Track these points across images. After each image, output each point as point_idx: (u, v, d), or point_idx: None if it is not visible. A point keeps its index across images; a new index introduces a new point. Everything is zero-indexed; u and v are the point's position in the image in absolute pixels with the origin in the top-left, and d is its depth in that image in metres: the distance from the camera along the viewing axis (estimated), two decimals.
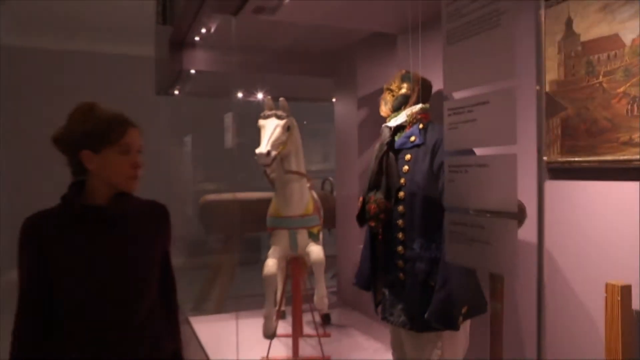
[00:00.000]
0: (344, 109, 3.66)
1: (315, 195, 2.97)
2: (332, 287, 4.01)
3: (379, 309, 1.81)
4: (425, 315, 1.51)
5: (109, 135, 1.29)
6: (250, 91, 4.56)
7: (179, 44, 3.42)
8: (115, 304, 1.30)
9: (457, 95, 1.06)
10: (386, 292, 1.72)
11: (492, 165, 0.79)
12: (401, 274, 1.63)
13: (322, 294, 2.64)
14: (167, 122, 6.37)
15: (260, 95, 4.60)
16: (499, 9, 0.72)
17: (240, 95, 4.55)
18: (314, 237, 2.73)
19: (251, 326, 2.97)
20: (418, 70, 1.94)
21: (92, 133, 1.29)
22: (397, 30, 2.61)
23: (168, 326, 1.46)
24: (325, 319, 3.31)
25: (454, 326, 1.47)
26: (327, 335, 3.06)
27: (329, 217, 3.65)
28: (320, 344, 2.79)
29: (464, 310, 1.49)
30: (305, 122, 6.22)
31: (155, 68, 4.47)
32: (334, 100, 3.85)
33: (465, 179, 0.82)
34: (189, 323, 3.45)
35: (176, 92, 4.31)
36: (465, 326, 1.63)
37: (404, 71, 1.93)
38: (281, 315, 3.19)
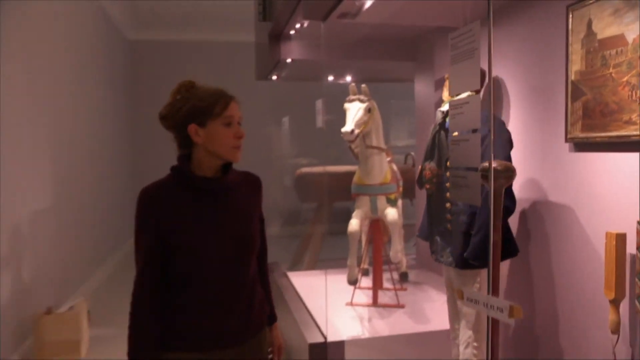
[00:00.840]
0: (422, 90, 4.07)
1: (394, 167, 3.46)
2: (413, 254, 4.49)
3: (434, 255, 2.30)
4: (465, 255, 1.97)
5: (213, 108, 1.39)
6: (340, 75, 5.10)
7: (277, 37, 4.03)
8: (228, 265, 1.43)
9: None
10: (438, 239, 2.20)
11: (470, 139, 1.25)
12: (449, 225, 2.10)
13: (397, 249, 3.16)
14: (266, 104, 7.15)
15: (349, 78, 5.12)
16: (474, 46, 1.18)
17: (331, 78, 5.10)
18: (391, 203, 3.24)
19: (338, 281, 3.56)
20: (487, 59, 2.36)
21: (198, 108, 1.39)
22: (463, 24, 2.99)
23: (264, 287, 1.63)
24: (403, 277, 3.81)
25: (485, 264, 1.93)
26: (403, 289, 3.58)
27: (410, 189, 4.10)
28: (397, 295, 3.32)
29: None
30: (392, 101, 6.66)
31: (256, 57, 5.14)
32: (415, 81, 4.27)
33: (458, 149, 1.29)
34: (287, 276, 4.13)
35: (274, 77, 4.95)
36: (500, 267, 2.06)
37: None
38: (364, 272, 3.76)
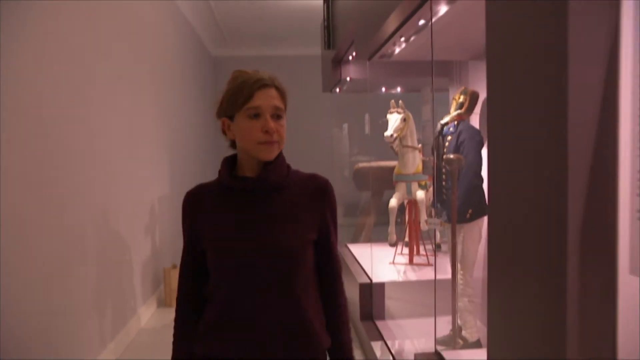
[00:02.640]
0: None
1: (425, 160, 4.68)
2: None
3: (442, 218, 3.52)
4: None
5: (236, 99, 1.26)
6: (391, 86, 6.33)
7: (338, 61, 5.35)
8: (261, 280, 1.26)
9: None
10: (439, 205, 3.41)
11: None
12: (444, 197, 3.30)
13: (423, 218, 4.39)
14: (331, 112, 8.54)
15: (398, 89, 6.32)
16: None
17: (383, 89, 6.34)
18: (422, 187, 4.47)
19: (384, 250, 4.84)
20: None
21: (226, 99, 1.30)
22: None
23: (332, 318, 1.38)
24: (437, 247, 5.01)
25: (463, 220, 3.11)
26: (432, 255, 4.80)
27: None
28: (427, 257, 4.54)
29: (470, 211, 3.12)
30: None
31: (322, 74, 6.48)
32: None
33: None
34: (347, 247, 5.45)
35: (337, 90, 6.27)
36: (480, 224, 3.22)
37: (463, 87, 3.55)
38: (405, 244, 5.00)
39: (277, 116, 1.28)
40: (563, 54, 1.08)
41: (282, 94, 1.31)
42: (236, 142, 1.33)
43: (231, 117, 1.30)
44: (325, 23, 5.41)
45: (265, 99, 1.26)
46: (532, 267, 1.25)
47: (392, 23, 3.00)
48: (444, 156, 3.01)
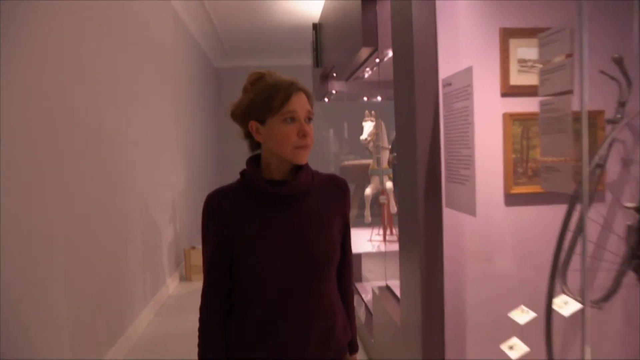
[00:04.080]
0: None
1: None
2: None
3: None
4: None
5: (271, 103, 1.28)
6: (371, 96, 7.58)
7: (325, 77, 6.62)
8: (297, 283, 1.29)
9: None
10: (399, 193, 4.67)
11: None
12: None
13: (393, 205, 5.65)
14: (322, 118, 9.84)
15: (379, 98, 7.57)
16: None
17: (365, 99, 7.59)
18: (391, 179, 5.74)
19: (364, 231, 6.08)
20: None
21: (256, 102, 1.31)
22: None
23: (346, 308, 1.46)
24: None
25: None
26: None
27: None
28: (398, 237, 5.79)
29: None
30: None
31: (313, 86, 7.73)
32: None
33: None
34: None
35: (325, 99, 7.53)
36: None
37: None
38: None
39: (308, 119, 1.32)
40: (413, 105, 2.35)
41: (310, 98, 1.34)
42: (263, 145, 1.34)
43: (261, 121, 1.30)
44: (314, 45, 6.67)
45: (300, 103, 1.28)
46: (411, 222, 2.51)
47: (361, 57, 4.24)
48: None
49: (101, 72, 3.83)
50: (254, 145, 1.41)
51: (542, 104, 1.62)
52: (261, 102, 1.31)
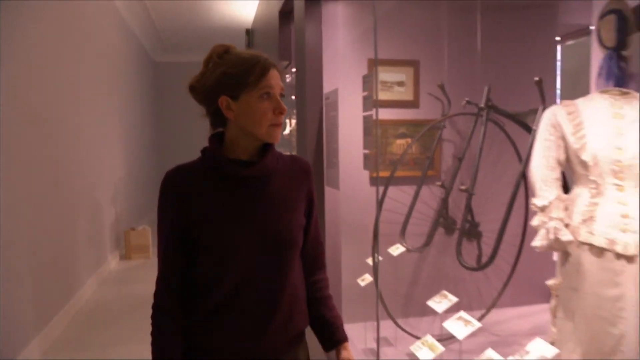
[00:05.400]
0: None
1: None
2: None
3: None
4: None
5: (247, 77, 1.19)
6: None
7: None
8: (262, 268, 1.23)
9: None
10: None
11: None
12: None
13: None
14: None
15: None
16: None
17: (293, 97, 8.55)
18: None
19: None
20: None
21: (229, 76, 1.20)
22: None
23: (321, 299, 1.39)
24: None
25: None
26: None
27: None
28: None
29: None
30: None
31: None
32: None
33: None
34: None
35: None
36: None
37: None
38: None
39: (281, 97, 1.24)
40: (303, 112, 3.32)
41: (281, 75, 1.27)
42: (231, 123, 1.24)
43: (234, 96, 1.20)
44: (247, 48, 7.56)
45: (275, 79, 1.22)
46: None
47: (280, 66, 5.19)
48: None
49: (50, 67, 4.53)
50: (218, 122, 1.27)
51: (364, 117, 2.63)
52: (235, 75, 1.20)
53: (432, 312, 2.63)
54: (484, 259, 2.96)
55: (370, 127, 2.55)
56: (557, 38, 3.77)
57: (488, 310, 3.34)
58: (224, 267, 1.22)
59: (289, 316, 1.29)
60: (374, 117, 2.50)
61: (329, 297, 1.42)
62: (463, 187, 2.94)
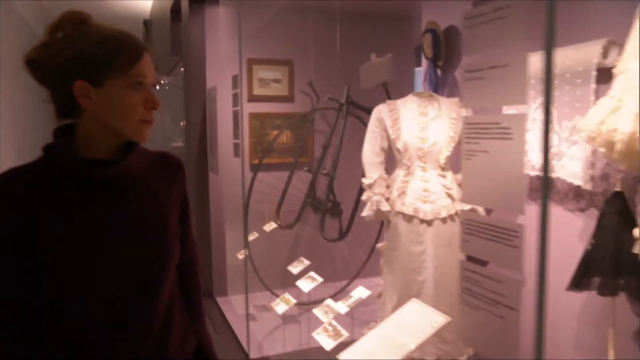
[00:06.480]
0: None
1: None
2: None
3: None
4: None
5: (115, 61, 0.96)
6: None
7: (155, 68, 7.74)
8: (129, 289, 1.01)
9: None
10: None
11: None
12: None
13: None
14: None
15: None
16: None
17: None
18: None
19: None
20: None
21: (89, 57, 0.96)
22: None
23: (192, 312, 1.22)
24: None
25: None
26: None
27: None
28: None
29: None
30: None
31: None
32: None
33: None
34: None
35: (157, 87, 8.61)
36: None
37: None
38: None
39: (154, 87, 1.06)
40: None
41: (155, 61, 1.05)
42: (87, 114, 1.00)
43: (95, 82, 0.97)
44: (145, 40, 7.72)
45: (149, 67, 1.01)
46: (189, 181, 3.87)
47: (173, 60, 5.48)
48: None
49: None
50: (68, 112, 1.03)
51: (234, 112, 3.08)
52: (99, 57, 0.97)
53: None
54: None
55: (238, 119, 3.00)
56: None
57: (353, 278, 3.92)
58: (80, 294, 0.98)
59: (163, 343, 1.09)
60: (241, 112, 2.96)
61: (202, 315, 1.29)
62: (325, 172, 3.48)
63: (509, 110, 2.12)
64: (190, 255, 1.24)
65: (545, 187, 0.90)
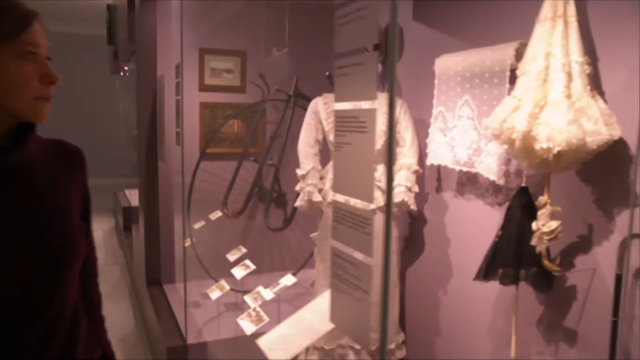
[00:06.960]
0: None
1: None
2: None
3: None
4: None
5: (2, 24, 0.86)
6: None
7: (116, 55, 7.65)
8: (28, 294, 0.90)
9: None
10: None
11: None
12: None
13: None
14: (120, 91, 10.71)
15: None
16: None
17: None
18: None
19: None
20: None
21: None
22: None
23: (93, 317, 1.12)
24: None
25: None
26: None
27: None
28: None
29: None
30: None
31: (109, 60, 8.64)
32: None
33: None
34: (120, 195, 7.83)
35: (121, 74, 8.51)
36: None
37: None
38: None
39: (48, 60, 0.93)
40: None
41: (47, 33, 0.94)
42: None
43: None
44: (108, 25, 7.62)
45: (42, 36, 0.90)
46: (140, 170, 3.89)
47: (130, 47, 5.45)
48: None
49: None
50: None
51: (176, 100, 3.12)
52: None
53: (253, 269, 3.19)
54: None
55: (180, 109, 3.04)
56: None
57: (300, 268, 4.00)
58: None
59: (72, 351, 1.01)
60: (181, 100, 3.00)
61: (102, 318, 1.19)
62: (270, 162, 3.54)
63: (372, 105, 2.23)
64: (91, 253, 1.14)
65: (388, 187, 0.98)
